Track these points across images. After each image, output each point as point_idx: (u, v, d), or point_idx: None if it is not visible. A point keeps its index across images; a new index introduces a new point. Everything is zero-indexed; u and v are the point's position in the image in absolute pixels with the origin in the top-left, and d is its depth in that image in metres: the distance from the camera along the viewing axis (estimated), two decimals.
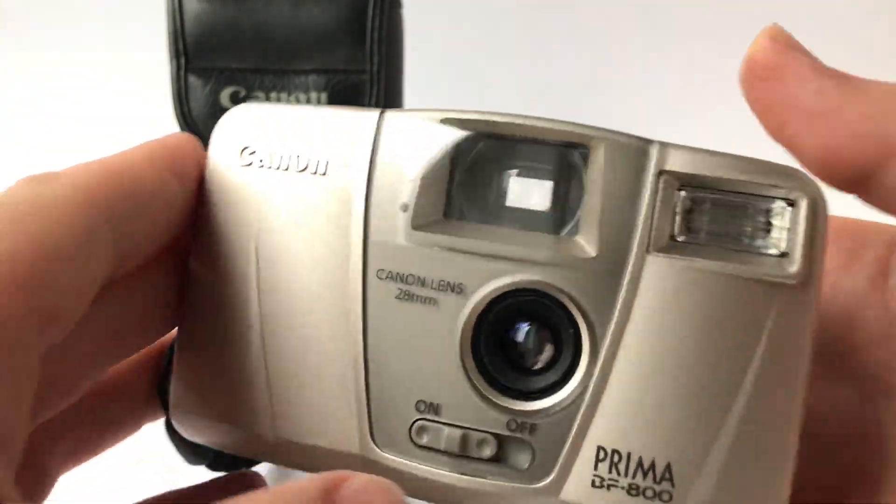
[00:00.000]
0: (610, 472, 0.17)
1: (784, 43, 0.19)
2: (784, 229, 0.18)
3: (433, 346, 0.19)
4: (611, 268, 0.18)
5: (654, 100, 0.71)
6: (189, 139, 0.24)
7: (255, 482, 0.26)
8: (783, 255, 0.18)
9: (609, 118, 0.71)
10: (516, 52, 0.74)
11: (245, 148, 0.22)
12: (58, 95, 0.73)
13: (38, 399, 0.17)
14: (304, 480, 0.16)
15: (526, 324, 0.19)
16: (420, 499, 0.20)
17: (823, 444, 0.23)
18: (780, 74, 0.19)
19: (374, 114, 0.21)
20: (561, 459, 0.18)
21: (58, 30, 0.75)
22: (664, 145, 0.19)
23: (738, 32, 0.73)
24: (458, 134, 0.20)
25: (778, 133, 0.19)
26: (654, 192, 0.18)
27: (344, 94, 0.50)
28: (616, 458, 0.17)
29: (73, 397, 0.22)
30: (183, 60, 0.50)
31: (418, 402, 0.19)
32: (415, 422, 0.19)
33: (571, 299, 0.18)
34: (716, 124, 0.69)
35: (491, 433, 0.19)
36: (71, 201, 0.19)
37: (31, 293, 0.17)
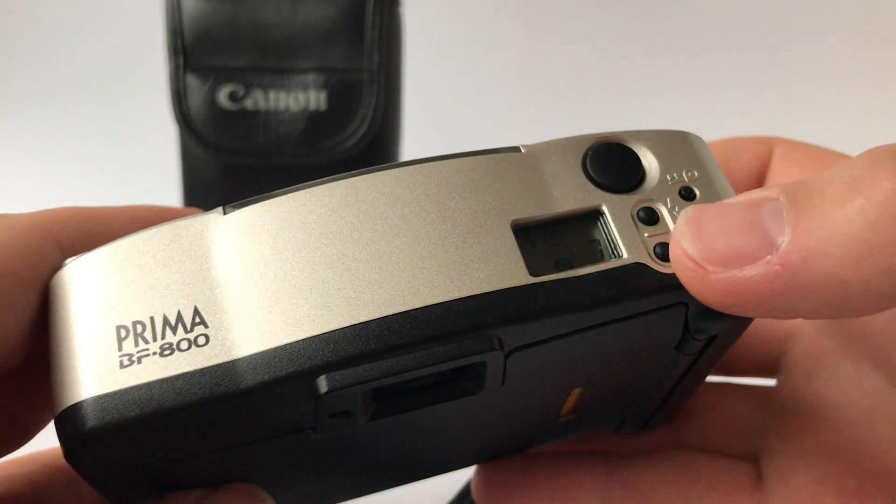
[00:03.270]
0: (136, 345, 0.16)
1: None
2: None
3: None
4: None
5: (655, 99, 0.71)
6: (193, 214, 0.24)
7: None
8: None
9: (609, 117, 0.70)
10: (516, 51, 0.74)
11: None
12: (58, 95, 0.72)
13: None
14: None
15: None
16: None
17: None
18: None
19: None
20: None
21: (57, 29, 0.75)
22: None
23: (739, 33, 0.73)
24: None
25: None
26: None
27: (343, 92, 0.50)
28: (139, 328, 0.17)
29: None
30: (181, 59, 0.50)
31: None
32: None
33: None
34: (716, 124, 0.69)
35: None
36: (19, 226, 0.19)
37: None
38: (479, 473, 0.27)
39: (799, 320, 0.26)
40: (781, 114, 0.68)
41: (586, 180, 0.19)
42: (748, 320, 0.20)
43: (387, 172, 0.18)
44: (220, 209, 0.18)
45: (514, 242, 0.18)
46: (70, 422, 0.16)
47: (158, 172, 0.60)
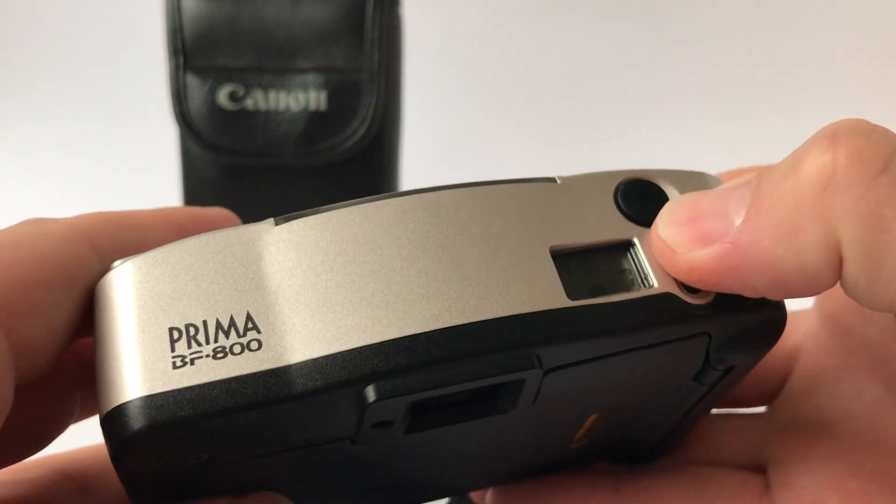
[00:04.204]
0: (189, 347, 0.17)
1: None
2: None
3: None
4: None
5: (655, 98, 0.71)
6: (227, 216, 0.23)
7: None
8: None
9: (609, 117, 0.71)
10: (516, 51, 0.74)
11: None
12: (57, 96, 0.72)
13: None
14: None
15: None
16: None
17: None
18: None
19: None
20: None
21: (56, 31, 0.75)
22: None
23: (743, 36, 0.73)
24: None
25: None
26: None
27: (343, 92, 0.50)
28: (192, 331, 0.17)
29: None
30: (181, 59, 0.50)
31: None
32: None
33: None
34: (716, 126, 0.69)
35: None
36: (56, 232, 0.19)
37: (3, 317, 0.17)
38: (494, 494, 0.28)
39: (799, 339, 0.26)
40: (782, 120, 0.68)
41: (618, 213, 0.20)
42: (764, 352, 0.21)
43: (433, 194, 0.19)
44: (271, 220, 0.18)
45: (553, 267, 0.18)
46: (119, 421, 0.16)
47: (158, 172, 0.61)
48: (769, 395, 0.27)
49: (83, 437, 0.23)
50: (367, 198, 0.19)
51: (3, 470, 0.20)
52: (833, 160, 0.16)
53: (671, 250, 0.18)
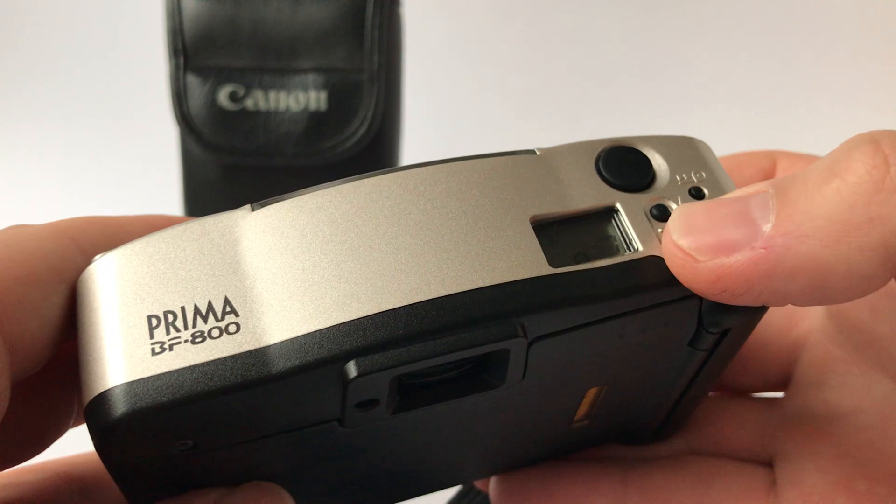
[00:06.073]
0: (168, 333, 0.17)
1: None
2: None
3: None
4: None
5: (654, 98, 0.71)
6: None
7: None
8: None
9: (609, 116, 0.70)
10: (516, 51, 0.74)
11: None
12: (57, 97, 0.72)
13: None
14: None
15: None
16: None
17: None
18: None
19: None
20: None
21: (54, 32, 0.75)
22: None
23: (743, 37, 0.73)
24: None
25: None
26: None
27: (343, 92, 0.50)
28: (170, 317, 0.17)
29: None
30: (181, 59, 0.50)
31: None
32: None
33: None
34: (716, 124, 0.69)
35: None
36: (39, 233, 0.19)
37: None
38: (498, 481, 0.28)
39: (806, 329, 0.26)
40: (783, 120, 0.68)
41: (600, 181, 0.19)
42: (759, 315, 0.21)
43: (409, 171, 0.19)
44: (247, 206, 0.18)
45: (534, 236, 0.18)
46: (101, 409, 0.17)
47: (158, 172, 0.61)
48: (773, 383, 0.27)
49: (85, 443, 0.23)
50: (343, 179, 0.18)
51: (4, 472, 0.21)
52: (884, 162, 0.16)
53: (692, 259, 0.18)
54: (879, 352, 0.24)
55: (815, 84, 0.70)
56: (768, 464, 0.25)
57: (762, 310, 0.20)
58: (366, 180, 0.18)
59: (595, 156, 0.20)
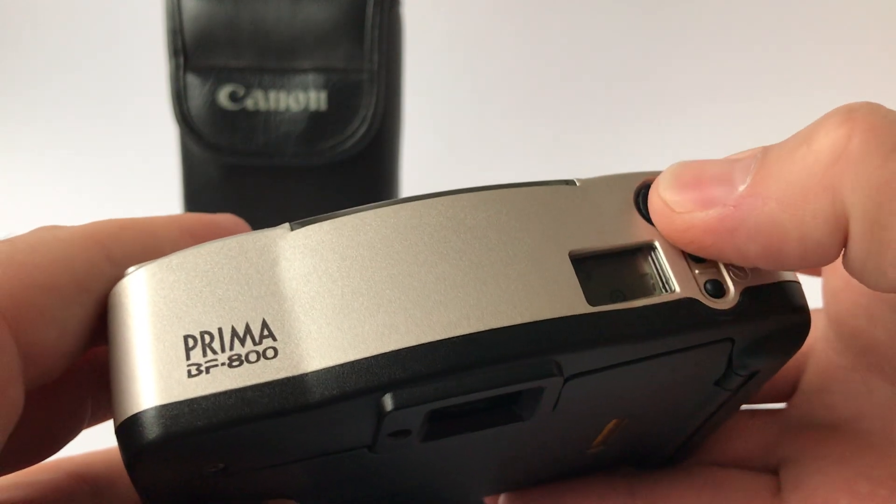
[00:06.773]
0: (205, 355, 0.16)
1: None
2: None
3: None
4: None
5: (655, 97, 0.71)
6: (237, 223, 0.23)
7: None
8: None
9: (609, 117, 0.70)
10: (516, 51, 0.74)
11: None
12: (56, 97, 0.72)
13: None
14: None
15: None
16: None
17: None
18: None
19: None
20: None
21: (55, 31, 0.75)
22: None
23: (741, 35, 0.73)
24: None
25: None
26: None
27: (343, 92, 0.50)
28: (207, 338, 0.17)
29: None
30: (181, 59, 0.50)
31: None
32: None
33: None
34: (716, 124, 0.69)
35: None
36: (68, 239, 0.19)
37: (13, 321, 0.17)
38: (507, 497, 0.28)
39: (811, 339, 0.26)
40: (783, 120, 0.68)
41: (639, 216, 0.19)
42: (787, 358, 0.21)
43: (449, 198, 0.18)
44: (286, 225, 0.18)
45: (573, 272, 0.18)
46: (135, 431, 0.16)
47: (158, 172, 0.61)
48: (783, 394, 0.27)
49: (97, 441, 0.23)
50: (384, 202, 0.18)
51: (18, 472, 0.20)
52: (848, 134, 0.16)
53: (670, 210, 0.18)
54: (879, 358, 0.24)
55: (815, 84, 0.70)
56: (774, 471, 0.26)
57: (791, 353, 0.20)
58: (406, 204, 0.18)
59: (635, 190, 0.20)
